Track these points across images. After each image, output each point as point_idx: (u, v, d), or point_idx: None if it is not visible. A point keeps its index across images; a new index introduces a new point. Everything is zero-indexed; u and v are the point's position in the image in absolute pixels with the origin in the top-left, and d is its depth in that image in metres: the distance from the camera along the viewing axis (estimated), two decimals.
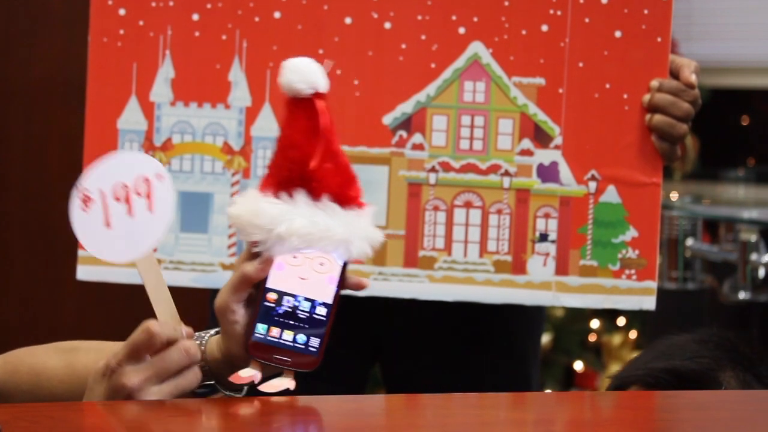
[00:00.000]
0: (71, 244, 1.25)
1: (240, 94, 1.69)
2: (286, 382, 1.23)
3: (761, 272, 3.05)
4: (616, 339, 3.84)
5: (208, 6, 1.69)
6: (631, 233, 1.68)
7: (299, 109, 1.23)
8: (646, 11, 1.68)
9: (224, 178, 1.70)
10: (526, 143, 1.68)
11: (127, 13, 1.69)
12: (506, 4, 1.68)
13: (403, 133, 1.69)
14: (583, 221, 1.69)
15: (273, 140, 1.69)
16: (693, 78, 1.66)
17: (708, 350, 1.51)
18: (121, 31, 1.69)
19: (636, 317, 3.81)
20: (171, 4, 1.68)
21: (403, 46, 1.69)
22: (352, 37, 1.68)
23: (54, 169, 3.82)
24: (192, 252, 1.69)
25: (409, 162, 1.69)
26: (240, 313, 1.24)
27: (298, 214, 1.22)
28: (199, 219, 1.70)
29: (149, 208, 1.22)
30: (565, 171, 1.68)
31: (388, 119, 1.69)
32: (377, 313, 1.79)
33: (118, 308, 4.08)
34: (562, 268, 1.68)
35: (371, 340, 1.86)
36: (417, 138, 1.69)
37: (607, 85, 1.68)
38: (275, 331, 1.22)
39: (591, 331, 3.85)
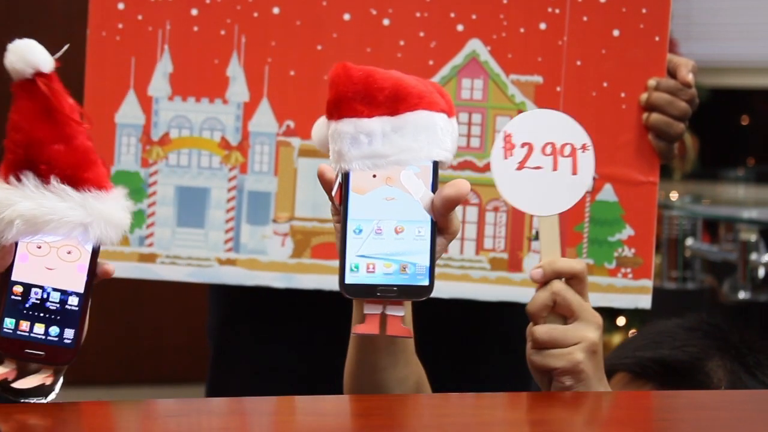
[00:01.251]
0: None
1: (238, 89, 1.69)
2: (42, 378, 1.19)
3: (761, 272, 3.05)
4: (616, 339, 3.84)
5: (207, 1, 1.69)
6: (628, 232, 1.68)
7: (23, 91, 1.20)
8: (644, 10, 1.67)
9: (221, 174, 1.70)
10: None
11: (126, 7, 1.69)
12: (505, 2, 1.68)
13: None
14: (580, 219, 1.69)
15: (270, 136, 1.69)
16: (690, 77, 1.66)
17: (697, 338, 1.51)
18: (120, 26, 1.69)
19: (636, 317, 3.81)
20: None
21: (402, 42, 1.69)
22: (350, 33, 1.68)
23: None
24: (188, 247, 1.69)
25: None
26: None
27: (24, 197, 1.19)
28: (196, 214, 1.70)
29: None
30: None
31: None
32: None
33: (118, 308, 4.08)
34: None
35: None
36: None
37: (605, 84, 1.68)
38: (25, 325, 1.18)
39: None
